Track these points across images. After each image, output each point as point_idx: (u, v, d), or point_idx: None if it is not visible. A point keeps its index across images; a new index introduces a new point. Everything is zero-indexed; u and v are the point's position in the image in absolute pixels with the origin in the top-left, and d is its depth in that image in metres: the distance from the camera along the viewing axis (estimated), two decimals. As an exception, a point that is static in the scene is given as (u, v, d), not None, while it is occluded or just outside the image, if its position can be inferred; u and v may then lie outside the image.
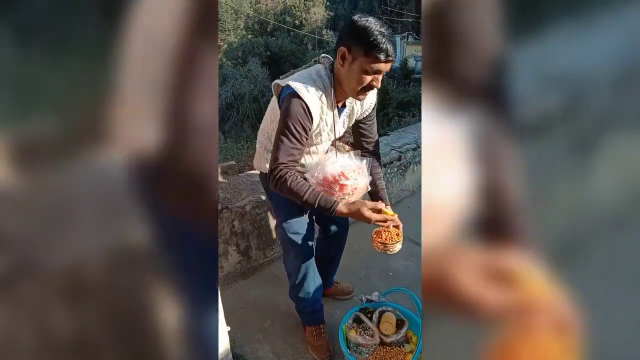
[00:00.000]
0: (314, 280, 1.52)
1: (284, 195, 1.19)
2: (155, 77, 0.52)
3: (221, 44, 20.24)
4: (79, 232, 0.52)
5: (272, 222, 2.13)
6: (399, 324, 1.50)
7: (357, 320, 1.52)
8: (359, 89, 1.15)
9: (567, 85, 0.57)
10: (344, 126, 1.37)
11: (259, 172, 1.52)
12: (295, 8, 23.83)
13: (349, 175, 1.24)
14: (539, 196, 0.58)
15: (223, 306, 1.20)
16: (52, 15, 0.48)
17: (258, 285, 1.99)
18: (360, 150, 1.40)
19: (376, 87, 1.17)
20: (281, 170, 1.14)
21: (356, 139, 1.46)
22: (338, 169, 1.24)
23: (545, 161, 0.58)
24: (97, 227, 0.54)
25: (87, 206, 0.53)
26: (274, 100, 1.32)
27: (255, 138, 1.52)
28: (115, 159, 0.54)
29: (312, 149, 1.35)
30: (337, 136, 1.33)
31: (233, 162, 2.30)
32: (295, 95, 1.14)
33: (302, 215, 1.41)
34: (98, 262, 0.54)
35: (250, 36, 21.00)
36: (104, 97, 0.52)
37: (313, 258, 1.50)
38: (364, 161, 1.29)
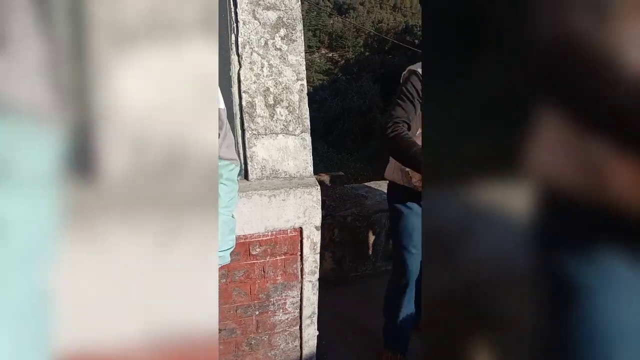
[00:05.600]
0: (408, 305, 1.49)
1: (392, 150, 1.29)
2: None
3: (340, 59, 21.21)
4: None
5: (370, 238, 2.13)
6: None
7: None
8: None
9: None
10: None
11: (387, 182, 1.53)
12: (417, 27, 23.66)
13: None
14: None
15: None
16: None
17: (345, 297, 1.99)
18: None
19: None
20: (395, 124, 1.27)
21: None
22: None
23: None
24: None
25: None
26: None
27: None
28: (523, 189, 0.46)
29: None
30: None
31: (341, 173, 2.38)
32: (413, 71, 1.34)
33: None
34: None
35: (367, 53, 21.56)
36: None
37: (414, 283, 1.46)
38: None
